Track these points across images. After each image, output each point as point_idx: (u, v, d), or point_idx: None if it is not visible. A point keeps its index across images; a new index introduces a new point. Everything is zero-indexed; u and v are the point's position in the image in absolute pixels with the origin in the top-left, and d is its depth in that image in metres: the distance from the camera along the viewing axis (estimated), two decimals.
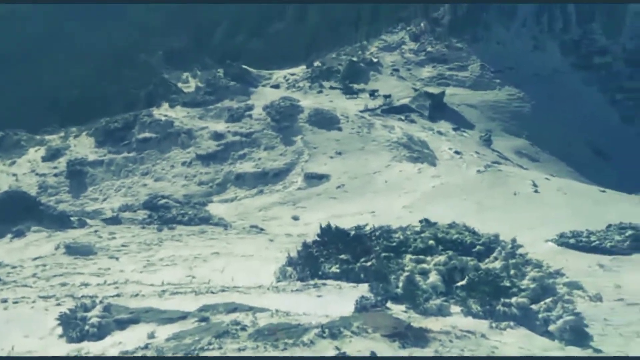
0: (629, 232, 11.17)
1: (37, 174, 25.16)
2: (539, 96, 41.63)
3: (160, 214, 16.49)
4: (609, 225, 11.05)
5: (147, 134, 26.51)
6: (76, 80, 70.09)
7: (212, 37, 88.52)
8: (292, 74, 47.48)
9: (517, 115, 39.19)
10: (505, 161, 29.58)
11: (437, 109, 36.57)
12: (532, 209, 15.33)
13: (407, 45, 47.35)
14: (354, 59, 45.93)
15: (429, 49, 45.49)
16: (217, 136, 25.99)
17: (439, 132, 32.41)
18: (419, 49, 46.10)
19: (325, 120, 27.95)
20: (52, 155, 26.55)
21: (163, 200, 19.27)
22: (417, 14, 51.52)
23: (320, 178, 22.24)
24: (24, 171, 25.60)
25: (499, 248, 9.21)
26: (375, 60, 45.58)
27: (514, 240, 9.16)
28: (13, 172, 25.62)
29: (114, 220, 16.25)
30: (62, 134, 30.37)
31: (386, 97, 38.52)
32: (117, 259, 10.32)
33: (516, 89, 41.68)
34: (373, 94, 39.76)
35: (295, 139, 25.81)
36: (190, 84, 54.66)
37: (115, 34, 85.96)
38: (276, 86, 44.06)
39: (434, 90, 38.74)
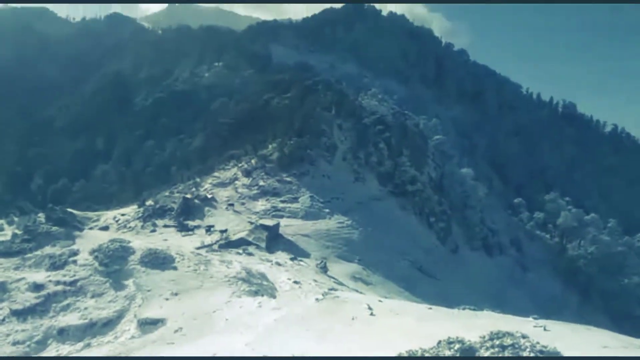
0: (457, 346, 12.06)
1: None
2: (364, 222, 45.21)
3: None
4: (439, 342, 11.83)
5: None
6: None
7: (31, 180, 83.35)
8: (123, 214, 45.67)
9: (348, 242, 41.71)
10: (341, 287, 30.68)
11: (274, 240, 37.47)
12: (370, 333, 15.91)
13: (240, 181, 49.02)
14: (188, 195, 45.96)
15: (261, 183, 47.62)
16: (36, 287, 23.11)
17: (277, 263, 32.84)
18: (251, 183, 47.97)
19: (159, 260, 26.68)
20: None
21: None
22: (247, 151, 54.37)
23: (156, 323, 20.60)
24: None
25: None
26: (209, 196, 46.10)
27: None
28: None
29: None
30: None
31: (222, 231, 38.62)
32: None
33: (344, 216, 44.80)
34: (209, 229, 39.68)
35: (127, 282, 24.03)
36: (6, 232, 49.35)
37: None
38: (105, 228, 41.80)
39: (269, 222, 39.89)
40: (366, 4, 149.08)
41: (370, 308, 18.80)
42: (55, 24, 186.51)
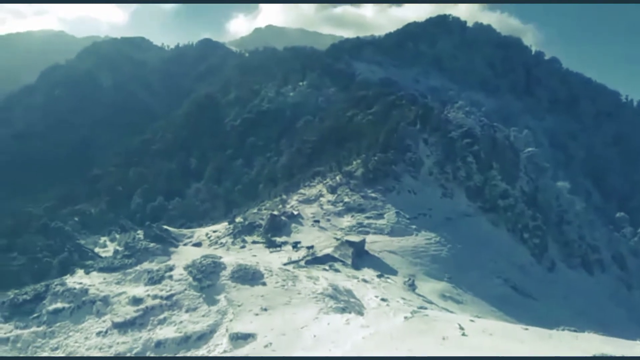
0: None
1: None
2: (453, 239, 43.88)
3: None
4: None
5: (59, 305, 24.74)
6: None
7: (130, 199, 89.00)
8: (214, 231, 47.55)
9: (436, 259, 40.65)
10: (431, 305, 29.88)
11: (360, 257, 37.27)
12: (462, 353, 15.29)
13: (325, 197, 49.40)
14: (275, 212, 47.01)
15: (346, 199, 47.72)
16: (135, 301, 24.38)
17: (364, 280, 32.57)
18: (336, 200, 48.20)
19: (248, 276, 27.30)
20: None
21: None
22: (332, 167, 54.83)
23: (246, 337, 21.03)
24: None
25: None
26: (296, 212, 46.85)
27: None
28: None
29: None
30: None
31: (309, 248, 38.95)
32: None
33: (432, 233, 43.77)
34: (296, 245, 40.16)
35: (219, 297, 24.78)
36: (108, 248, 53.06)
37: (30, 204, 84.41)
38: (198, 244, 43.67)
39: (355, 238, 39.79)
40: (450, 16, 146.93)
41: (461, 328, 18.08)
42: (151, 51, 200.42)
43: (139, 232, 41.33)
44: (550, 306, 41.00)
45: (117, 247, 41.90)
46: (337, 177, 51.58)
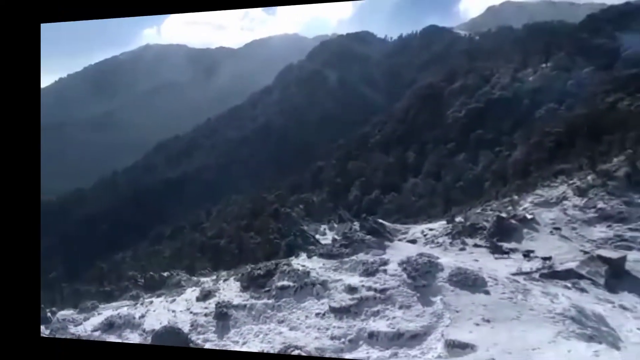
0: None
1: (191, 312, 28.46)
2: None
3: None
4: None
5: (285, 282, 28.19)
6: (227, 231, 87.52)
7: (349, 191, 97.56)
8: (431, 229, 47.39)
9: None
10: None
11: (617, 277, 33.31)
12: None
13: (571, 201, 45.38)
14: (503, 214, 44.86)
15: (601, 205, 43.01)
16: (350, 289, 26.23)
17: (622, 307, 28.96)
18: (586, 205, 43.83)
19: (469, 281, 26.50)
20: (205, 296, 30.05)
21: (296, 352, 20.33)
22: (582, 165, 50.16)
23: (465, 347, 20.34)
24: (181, 309, 29.19)
25: None
26: (529, 217, 44.03)
27: None
28: (172, 308, 29.51)
29: None
30: (214, 277, 34.89)
31: (545, 259, 36.30)
32: None
33: None
34: (528, 254, 37.82)
35: (434, 299, 24.63)
36: (327, 236, 58.59)
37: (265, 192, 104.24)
38: (413, 241, 44.11)
39: (611, 254, 35.67)
40: None
41: None
42: (374, 45, 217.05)
43: (355, 223, 44.09)
44: None
45: (336, 236, 46.56)
46: (589, 178, 46.91)
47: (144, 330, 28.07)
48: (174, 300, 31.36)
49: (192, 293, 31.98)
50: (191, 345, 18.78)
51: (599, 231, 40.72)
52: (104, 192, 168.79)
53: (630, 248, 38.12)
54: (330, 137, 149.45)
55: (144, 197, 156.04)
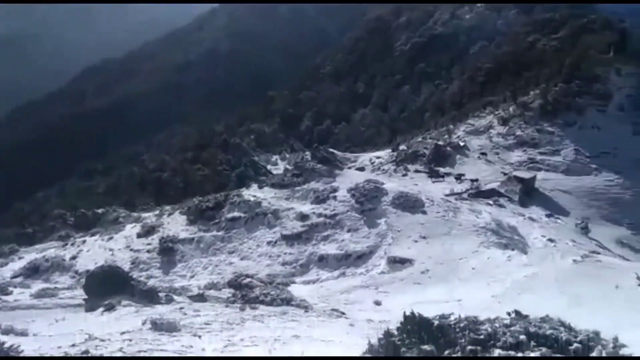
0: None
1: (131, 250, 26.03)
2: None
3: (244, 293, 16.73)
4: None
5: (235, 214, 27.16)
6: (170, 164, 77.75)
7: (301, 122, 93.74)
8: (377, 157, 48.31)
9: (616, 202, 36.88)
10: (604, 251, 27.59)
11: (528, 194, 35.38)
12: (637, 306, 14.05)
13: (495, 129, 46.89)
14: (440, 142, 46.04)
15: (519, 132, 44.75)
16: (302, 217, 26.22)
17: (531, 218, 31.05)
18: (507, 132, 45.48)
19: (409, 203, 27.65)
20: (147, 232, 27.50)
21: (247, 280, 19.51)
22: (506, 98, 51.40)
23: (404, 262, 21.72)
24: (120, 247, 26.62)
25: (599, 347, 8.44)
26: (462, 144, 45.40)
27: (615, 339, 8.37)
28: (110, 247, 26.80)
29: (200, 298, 16.62)
30: (157, 212, 31.99)
31: (473, 181, 37.97)
32: (199, 337, 10.50)
33: (615, 174, 39.51)
34: (459, 177, 39.37)
35: (379, 221, 25.64)
36: (279, 166, 57.26)
37: (214, 123, 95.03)
38: (361, 169, 44.88)
39: (524, 174, 37.64)
40: None
41: (639, 278, 16.50)
42: None
43: (307, 153, 43.49)
44: None
45: (287, 166, 44.76)
46: (511, 108, 48.29)
47: (76, 272, 24.11)
48: (111, 237, 27.69)
49: (132, 230, 28.34)
50: (132, 283, 16.21)
51: (516, 155, 42.63)
52: (19, 124, 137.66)
53: (539, 169, 40.29)
54: (283, 67, 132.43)
55: (68, 128, 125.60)
